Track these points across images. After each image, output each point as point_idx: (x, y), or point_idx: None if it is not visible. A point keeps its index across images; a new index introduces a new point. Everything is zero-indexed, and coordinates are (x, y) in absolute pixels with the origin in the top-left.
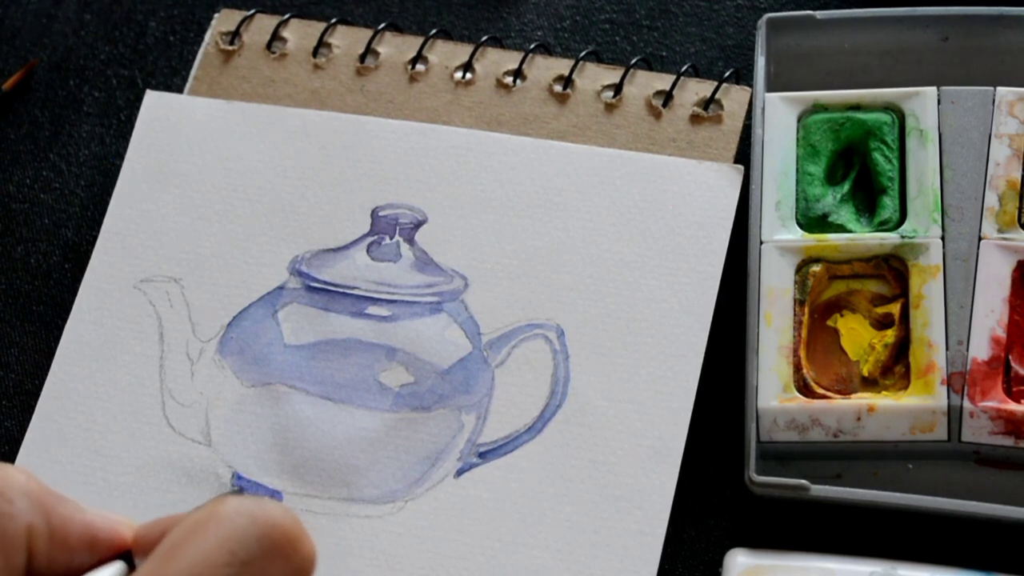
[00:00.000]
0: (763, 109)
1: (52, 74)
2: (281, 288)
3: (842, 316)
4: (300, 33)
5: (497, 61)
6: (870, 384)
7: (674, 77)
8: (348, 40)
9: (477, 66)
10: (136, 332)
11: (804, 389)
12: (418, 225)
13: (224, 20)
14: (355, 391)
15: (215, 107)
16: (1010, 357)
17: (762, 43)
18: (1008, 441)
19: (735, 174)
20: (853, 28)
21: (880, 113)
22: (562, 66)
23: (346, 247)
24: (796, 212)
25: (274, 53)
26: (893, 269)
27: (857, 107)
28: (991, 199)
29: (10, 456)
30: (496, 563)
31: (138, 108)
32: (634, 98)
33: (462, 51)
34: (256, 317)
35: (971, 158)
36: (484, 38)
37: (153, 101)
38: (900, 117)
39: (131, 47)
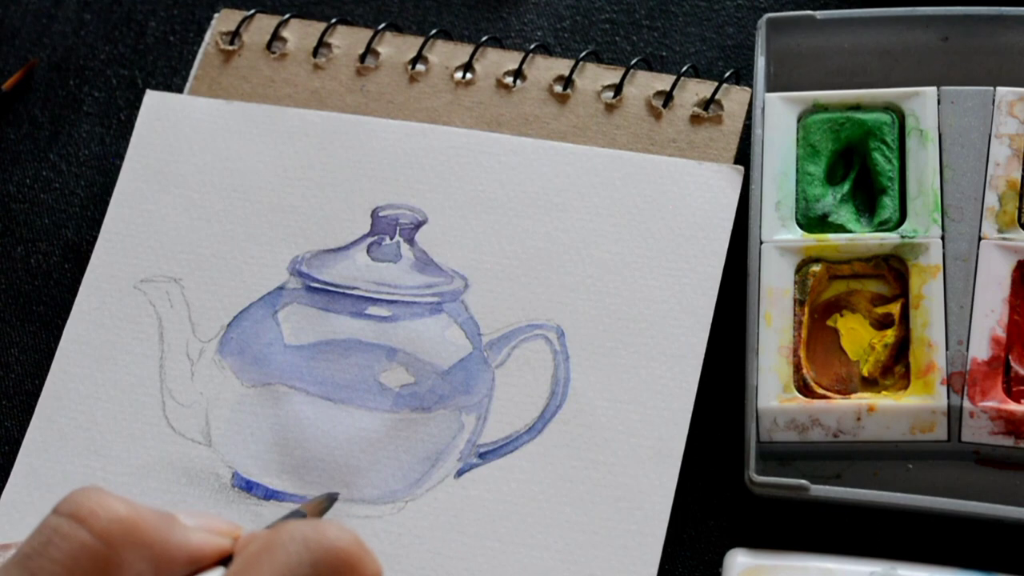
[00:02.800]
0: (763, 109)
1: (52, 74)
2: (281, 288)
3: (842, 316)
4: (300, 33)
5: (497, 61)
6: (870, 384)
7: (674, 77)
8: (348, 40)
9: (477, 66)
10: (136, 332)
11: (804, 389)
12: (418, 225)
13: (224, 20)
14: (355, 391)
15: (215, 107)
16: (1010, 357)
17: (762, 43)
18: (1008, 441)
19: (735, 174)
20: (853, 28)
21: (880, 113)
22: (562, 66)
23: (346, 247)
24: (796, 212)
25: (274, 53)
26: (893, 269)
27: (857, 107)
28: (991, 199)
29: (10, 456)
30: (496, 563)
31: (138, 108)
32: (634, 98)
33: (462, 51)
34: (256, 317)
35: (971, 158)
36: (484, 38)
37: (153, 101)
38: (900, 117)
39: (131, 47)
